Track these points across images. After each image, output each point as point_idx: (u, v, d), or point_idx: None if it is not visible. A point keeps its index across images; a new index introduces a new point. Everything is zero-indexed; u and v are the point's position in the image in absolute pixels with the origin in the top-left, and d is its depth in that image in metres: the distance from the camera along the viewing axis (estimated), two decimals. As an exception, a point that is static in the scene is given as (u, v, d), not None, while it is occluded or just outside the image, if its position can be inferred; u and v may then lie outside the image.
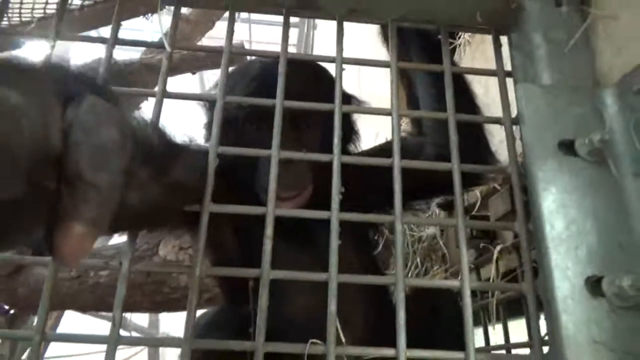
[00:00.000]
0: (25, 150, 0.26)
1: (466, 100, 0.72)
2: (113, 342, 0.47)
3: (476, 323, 1.02)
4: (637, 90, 0.45)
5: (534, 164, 0.48)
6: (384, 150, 0.79)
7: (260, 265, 0.48)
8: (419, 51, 0.72)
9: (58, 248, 0.29)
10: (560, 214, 0.46)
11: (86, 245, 0.30)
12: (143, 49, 3.34)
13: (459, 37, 1.12)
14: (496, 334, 0.91)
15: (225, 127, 0.56)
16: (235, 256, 0.72)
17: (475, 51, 1.07)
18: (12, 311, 2.29)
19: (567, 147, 0.50)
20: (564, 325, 0.42)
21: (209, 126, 0.85)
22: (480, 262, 1.01)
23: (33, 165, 0.27)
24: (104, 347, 0.46)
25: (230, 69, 0.77)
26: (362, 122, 0.85)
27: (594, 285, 0.44)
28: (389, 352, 0.48)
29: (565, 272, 0.44)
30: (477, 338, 1.01)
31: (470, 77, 0.86)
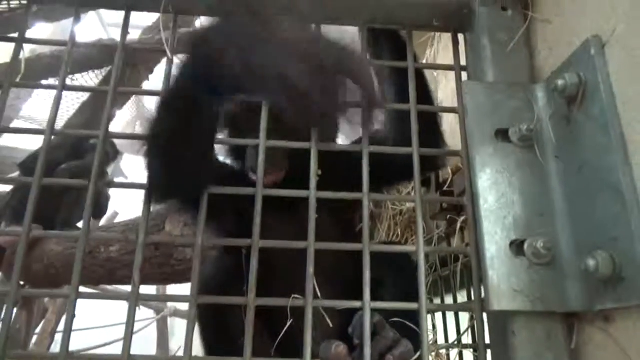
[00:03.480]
0: None
1: (425, 95, 0.82)
2: (134, 298, 0.58)
3: (448, 289, 1.15)
4: (555, 87, 0.55)
5: (473, 149, 0.59)
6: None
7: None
8: (389, 51, 0.81)
9: None
10: (493, 190, 0.57)
11: None
12: (142, 28, 3.40)
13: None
14: (464, 299, 1.02)
15: None
16: (234, 228, 0.85)
17: (448, 41, 1.15)
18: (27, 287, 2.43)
19: (503, 134, 0.60)
20: (490, 278, 0.53)
21: None
22: (449, 232, 1.12)
23: None
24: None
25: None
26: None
27: (517, 247, 0.55)
28: (356, 304, 0.60)
29: (494, 236, 0.55)
30: (449, 300, 1.14)
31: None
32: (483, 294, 0.56)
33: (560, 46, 0.62)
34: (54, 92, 0.67)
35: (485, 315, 0.60)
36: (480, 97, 0.61)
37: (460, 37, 0.73)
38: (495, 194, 0.57)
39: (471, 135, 0.60)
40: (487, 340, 0.60)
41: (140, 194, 0.64)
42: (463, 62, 0.71)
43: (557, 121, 0.58)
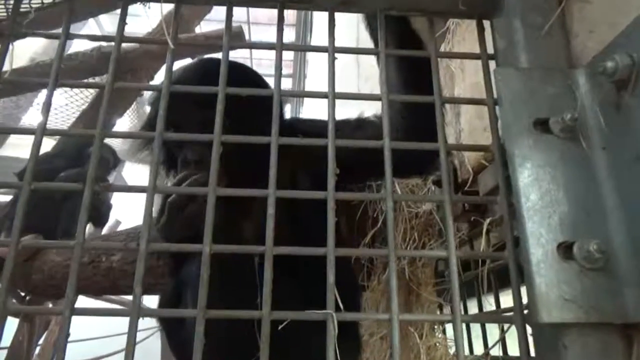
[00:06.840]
0: None
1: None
2: (135, 314, 0.52)
3: (470, 293, 1.08)
4: (603, 70, 0.49)
5: (511, 142, 0.53)
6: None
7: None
8: (395, 36, 0.75)
9: None
10: (535, 186, 0.51)
11: None
12: (143, 34, 3.38)
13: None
14: (490, 305, 0.96)
15: None
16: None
17: (465, 32, 1.10)
18: (27, 297, 2.37)
19: (542, 125, 0.54)
20: (537, 285, 0.47)
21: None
22: (472, 234, 1.06)
23: None
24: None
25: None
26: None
27: (565, 250, 0.49)
28: (384, 316, 0.54)
29: (539, 239, 0.49)
30: (472, 306, 1.07)
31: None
32: (527, 303, 0.50)
33: (602, 27, 0.56)
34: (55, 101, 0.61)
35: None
36: (516, 84, 0.55)
37: (486, 23, 0.67)
38: (537, 191, 0.51)
39: (507, 126, 0.54)
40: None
41: (142, 199, 0.58)
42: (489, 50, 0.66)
43: (604, 108, 0.52)
